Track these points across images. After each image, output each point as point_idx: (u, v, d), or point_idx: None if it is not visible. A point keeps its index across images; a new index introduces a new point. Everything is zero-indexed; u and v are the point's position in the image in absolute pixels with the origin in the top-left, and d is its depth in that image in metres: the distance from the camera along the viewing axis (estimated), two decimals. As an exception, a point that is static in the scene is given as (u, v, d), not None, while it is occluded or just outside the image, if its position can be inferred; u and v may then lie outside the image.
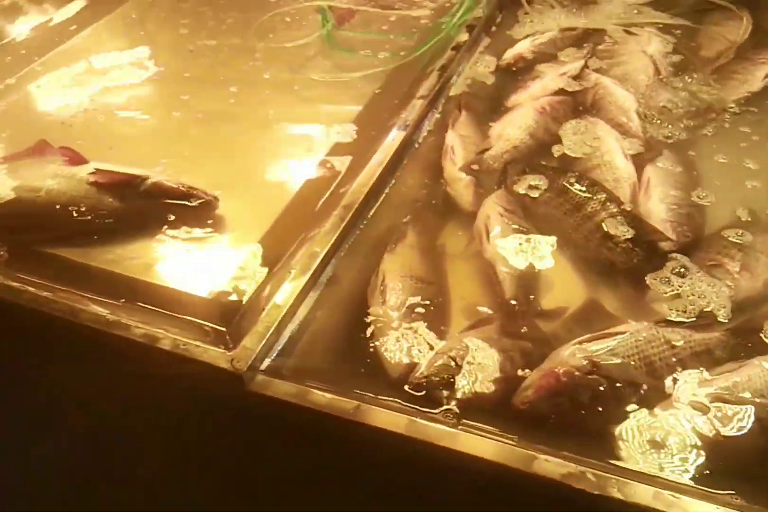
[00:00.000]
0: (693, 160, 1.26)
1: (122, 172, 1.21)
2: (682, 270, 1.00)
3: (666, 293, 0.99)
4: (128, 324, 0.92)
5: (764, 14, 1.64)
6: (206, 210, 1.19)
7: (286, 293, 0.96)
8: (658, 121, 1.37)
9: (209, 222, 1.18)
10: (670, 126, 1.35)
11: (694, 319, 0.97)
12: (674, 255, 1.04)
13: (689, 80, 1.47)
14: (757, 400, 0.84)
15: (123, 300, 0.99)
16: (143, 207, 1.19)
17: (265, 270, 1.04)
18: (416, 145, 1.34)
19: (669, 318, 0.96)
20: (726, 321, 0.95)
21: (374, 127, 1.40)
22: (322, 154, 1.35)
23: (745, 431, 0.82)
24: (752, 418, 0.83)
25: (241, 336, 0.91)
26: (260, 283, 1.00)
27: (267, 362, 0.90)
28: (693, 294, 0.97)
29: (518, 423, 0.86)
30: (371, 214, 1.17)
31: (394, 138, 1.28)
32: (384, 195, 1.21)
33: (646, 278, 1.01)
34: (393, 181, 1.24)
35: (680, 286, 0.98)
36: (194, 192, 1.21)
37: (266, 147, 1.40)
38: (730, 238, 1.07)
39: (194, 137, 1.41)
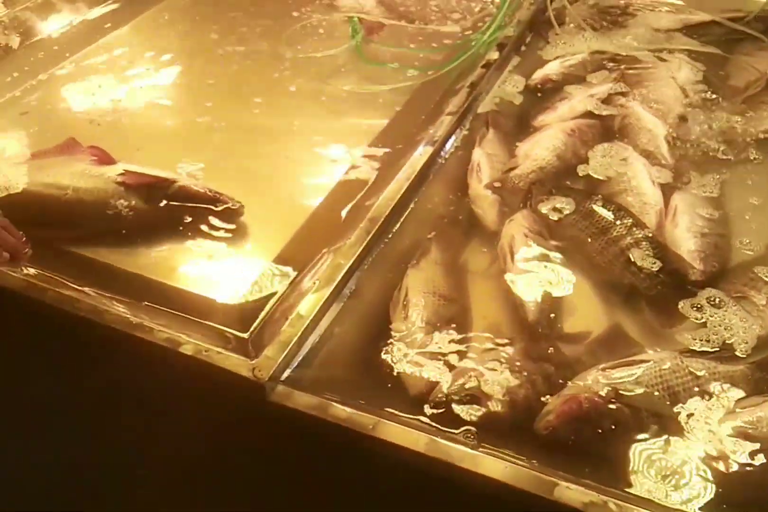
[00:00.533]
0: (720, 189, 1.25)
1: (151, 174, 1.21)
2: (718, 300, 0.99)
3: (695, 319, 0.98)
4: (151, 327, 0.92)
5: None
6: (232, 216, 1.19)
7: (309, 304, 0.95)
8: (687, 149, 1.37)
9: (234, 228, 1.18)
10: (698, 154, 1.35)
11: (716, 349, 0.96)
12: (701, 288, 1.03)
13: (718, 109, 1.47)
14: (780, 435, 0.83)
15: (146, 302, 0.98)
16: (170, 210, 1.19)
17: (288, 279, 1.03)
18: (442, 161, 1.34)
19: (692, 347, 0.95)
20: (744, 356, 0.94)
21: (401, 140, 1.40)
22: (348, 165, 1.36)
23: (763, 466, 0.81)
24: (773, 454, 0.82)
25: (262, 345, 0.90)
26: (283, 293, 1.00)
27: (288, 372, 0.90)
28: (720, 325, 0.96)
29: (539, 448, 0.85)
30: (396, 228, 1.17)
31: (421, 153, 1.28)
32: (409, 209, 1.21)
33: (679, 302, 1.01)
34: (418, 196, 1.24)
35: (711, 316, 0.97)
36: (221, 197, 1.21)
37: (292, 156, 1.40)
38: (759, 273, 1.06)
39: (220, 144, 1.42)
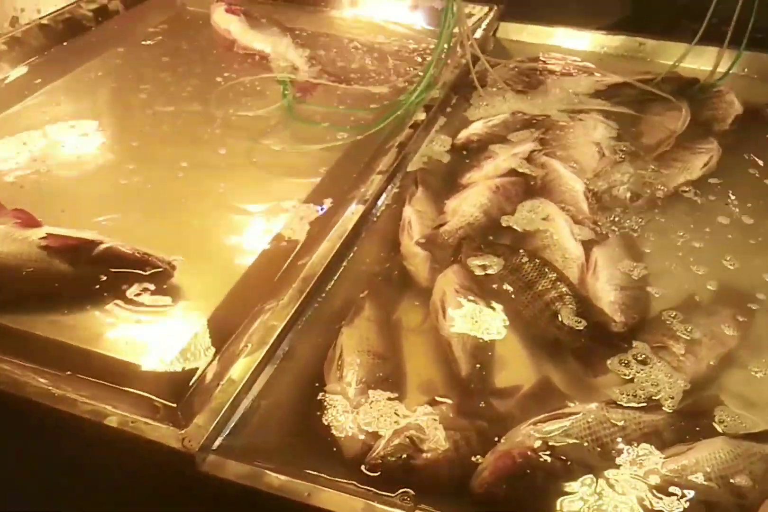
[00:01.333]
0: (637, 242, 1.33)
1: (75, 236, 1.19)
2: (644, 356, 1.04)
3: (624, 376, 1.01)
4: (75, 399, 0.88)
5: (701, 107, 1.77)
6: (161, 278, 1.18)
7: (241, 368, 0.94)
8: (605, 204, 1.44)
9: (164, 290, 1.16)
10: (615, 209, 1.43)
11: (643, 404, 0.99)
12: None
13: (633, 166, 1.57)
14: (705, 483, 0.86)
15: (69, 372, 0.95)
16: (95, 273, 1.16)
17: (220, 343, 1.02)
18: (374, 219, 1.37)
19: (619, 402, 0.98)
20: (670, 411, 0.98)
21: (333, 199, 1.42)
22: (280, 225, 1.37)
23: (692, 515, 0.83)
24: (700, 501, 0.84)
25: (193, 413, 0.88)
26: (214, 357, 0.98)
27: (219, 440, 0.88)
28: (647, 381, 1.00)
29: (476, 507, 0.85)
30: (329, 287, 1.18)
31: (353, 211, 1.31)
32: (342, 268, 1.22)
33: (608, 360, 1.04)
34: (351, 255, 1.26)
35: (638, 372, 1.01)
36: (149, 259, 1.19)
37: (223, 216, 1.41)
38: (674, 322, 1.12)
39: (149, 205, 1.41)
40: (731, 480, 0.87)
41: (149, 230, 1.32)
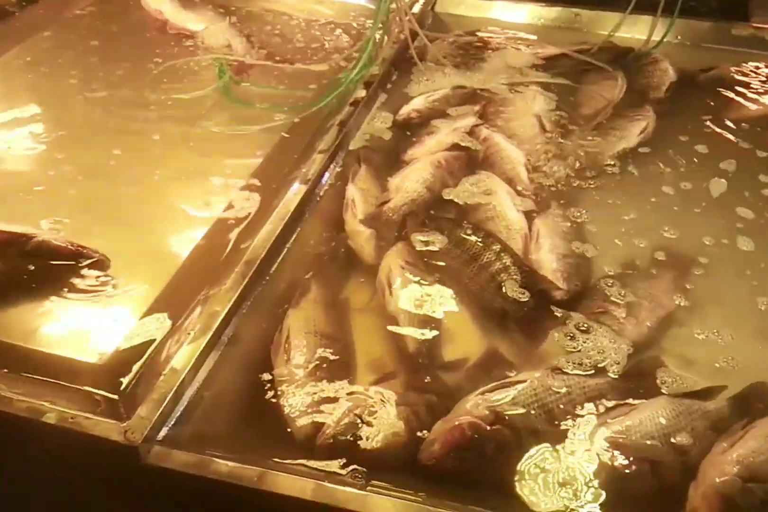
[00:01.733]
0: (578, 210, 1.34)
1: (6, 230, 1.14)
2: (586, 326, 1.05)
3: (572, 349, 1.02)
4: (10, 398, 0.85)
5: (637, 75, 1.80)
6: (97, 270, 1.14)
7: (184, 356, 0.92)
8: (545, 175, 1.45)
9: (100, 282, 1.13)
10: (556, 179, 1.44)
11: (590, 372, 1.00)
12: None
13: (572, 136, 1.59)
14: (649, 443, 0.88)
15: (5, 370, 0.91)
16: (29, 267, 1.12)
17: (162, 332, 0.99)
18: (317, 199, 1.35)
19: (565, 370, 0.99)
20: (615, 376, 0.99)
21: (274, 180, 1.39)
22: (221, 208, 1.33)
23: (638, 473, 0.85)
24: (645, 460, 0.87)
25: (135, 404, 0.86)
26: (156, 346, 0.95)
27: (165, 431, 0.86)
28: (593, 349, 1.01)
29: (427, 480, 0.86)
30: (273, 269, 1.16)
31: (295, 192, 1.29)
32: (286, 249, 1.21)
33: (552, 333, 1.05)
34: (295, 236, 1.24)
35: (584, 342, 1.02)
36: (84, 251, 1.15)
37: (161, 202, 1.37)
38: (615, 287, 1.14)
39: (82, 194, 1.36)
40: (674, 438, 0.89)
41: (82, 222, 1.27)
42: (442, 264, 1.22)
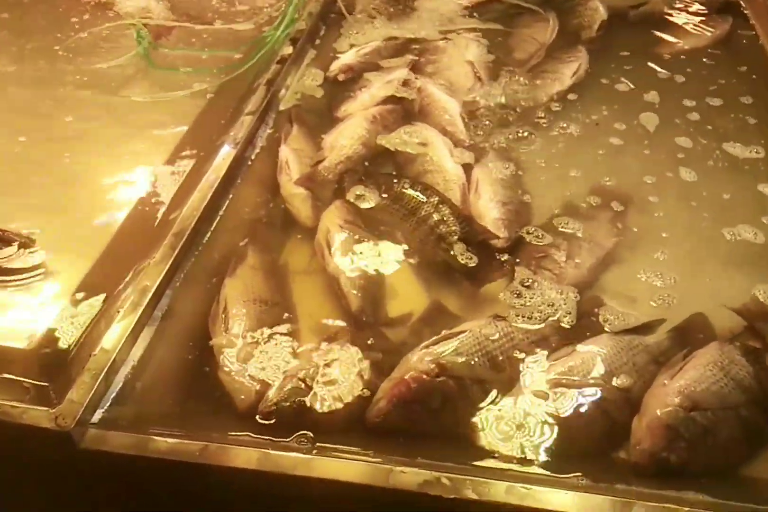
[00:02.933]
0: (516, 158, 1.32)
1: None
2: (530, 280, 1.03)
3: (521, 305, 1.00)
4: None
5: (569, 15, 1.76)
6: (21, 253, 1.08)
7: (114, 335, 0.88)
8: (482, 123, 1.42)
9: (26, 265, 1.07)
10: (492, 126, 1.41)
11: (540, 325, 0.99)
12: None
13: (506, 81, 1.55)
14: (592, 381, 0.89)
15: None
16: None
17: (91, 312, 0.95)
18: (249, 163, 1.30)
19: (518, 325, 0.98)
20: (569, 327, 0.98)
21: (202, 147, 1.34)
22: (148, 180, 1.28)
23: (584, 412, 0.86)
24: (589, 399, 0.87)
25: (66, 389, 0.82)
26: (86, 328, 0.92)
27: (100, 414, 0.83)
28: (542, 303, 1.00)
29: (375, 437, 0.85)
30: (206, 238, 1.12)
31: (224, 157, 1.24)
32: (219, 217, 1.16)
33: (501, 293, 1.03)
34: (227, 202, 1.19)
35: (531, 298, 1.01)
36: (5, 234, 1.09)
37: (85, 177, 1.30)
38: (559, 228, 1.13)
39: (5, 169, 1.28)
40: (616, 375, 0.90)
41: (4, 201, 1.20)
42: (381, 219, 1.19)
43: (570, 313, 1.00)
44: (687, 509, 0.70)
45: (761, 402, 0.87)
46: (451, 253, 1.10)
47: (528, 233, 1.14)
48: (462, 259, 1.09)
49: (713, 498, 0.75)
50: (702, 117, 1.42)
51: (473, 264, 1.09)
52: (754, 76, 1.54)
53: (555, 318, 0.99)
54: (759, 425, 0.85)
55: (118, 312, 0.92)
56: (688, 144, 1.35)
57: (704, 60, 1.60)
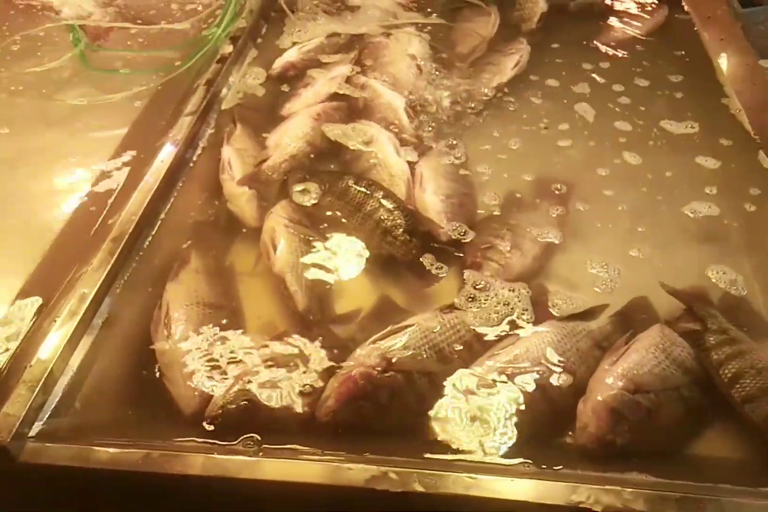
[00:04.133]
0: (460, 151, 1.33)
1: None
2: (483, 283, 1.02)
3: (476, 309, 0.99)
4: None
5: (510, 8, 1.77)
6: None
7: (51, 345, 0.86)
8: (426, 117, 1.43)
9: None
10: (436, 121, 1.41)
11: (504, 333, 0.97)
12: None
13: (449, 75, 1.56)
14: (537, 368, 0.89)
15: None
16: None
17: (27, 322, 0.92)
18: (191, 164, 1.28)
19: (476, 328, 0.97)
20: (530, 325, 0.98)
21: (142, 149, 1.31)
22: (87, 184, 1.25)
23: (530, 399, 0.87)
24: (535, 386, 0.88)
25: (2, 403, 0.79)
26: (21, 338, 0.89)
27: (39, 426, 0.80)
28: (498, 304, 1.00)
29: (325, 436, 0.84)
30: (147, 243, 1.09)
31: (163, 159, 1.21)
32: (160, 221, 1.14)
33: (455, 299, 1.01)
34: (169, 205, 1.17)
35: (485, 300, 1.00)
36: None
37: (21, 185, 1.26)
38: (499, 221, 1.14)
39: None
40: (560, 361, 0.91)
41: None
42: (327, 216, 1.18)
43: (527, 310, 1.00)
44: (630, 490, 0.71)
45: (702, 383, 0.89)
46: (397, 246, 1.10)
47: (473, 224, 1.14)
48: (408, 253, 1.08)
49: (656, 477, 0.76)
50: (633, 100, 1.44)
51: (420, 259, 1.09)
52: (687, 59, 1.57)
53: (513, 317, 0.99)
54: (701, 405, 0.87)
55: (55, 321, 0.89)
56: (627, 127, 1.37)
57: (638, 47, 1.63)
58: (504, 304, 1.00)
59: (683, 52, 1.59)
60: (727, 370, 0.88)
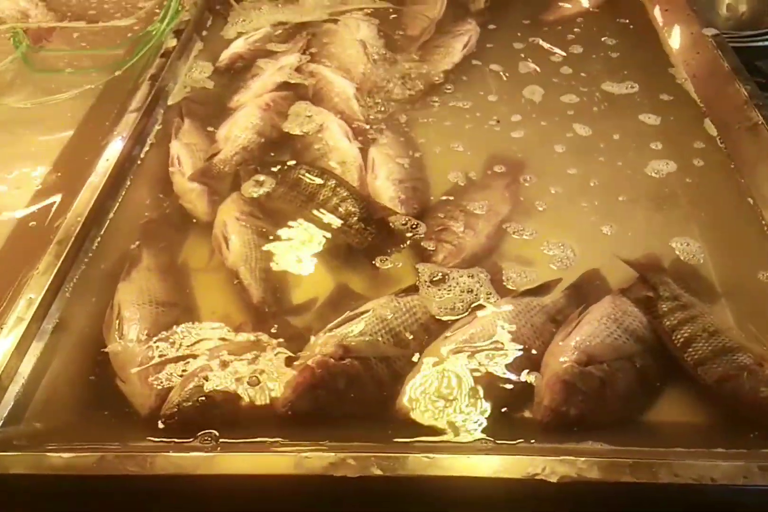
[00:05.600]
0: (412, 135, 1.32)
1: None
2: (440, 274, 1.01)
3: (439, 298, 0.98)
4: None
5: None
6: None
7: (-1, 352, 0.84)
8: (377, 102, 1.41)
9: None
10: (386, 105, 1.41)
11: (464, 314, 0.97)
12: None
13: (399, 60, 1.55)
14: (493, 346, 0.90)
15: None
16: None
17: (-27, 332, 0.90)
18: (139, 161, 1.26)
19: (442, 318, 0.96)
20: (493, 306, 0.97)
21: (89, 149, 1.28)
22: (34, 187, 1.22)
23: (487, 377, 0.87)
24: (492, 363, 0.88)
25: (-51, 414, 0.78)
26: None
27: (-11, 436, 0.79)
28: (462, 292, 0.99)
29: (285, 427, 0.84)
30: (96, 244, 1.07)
31: (108, 158, 1.19)
32: (109, 220, 1.12)
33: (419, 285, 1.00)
34: (117, 204, 1.15)
35: (449, 290, 0.99)
36: None
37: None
38: (451, 203, 1.13)
39: None
40: (516, 337, 0.91)
41: None
42: (280, 207, 1.17)
43: (491, 293, 0.99)
44: (584, 459, 0.71)
45: (655, 350, 0.90)
46: (352, 234, 1.09)
47: (427, 207, 1.14)
48: (364, 240, 1.08)
49: (611, 445, 0.77)
50: (574, 69, 1.46)
51: (375, 244, 1.08)
52: (632, 26, 1.58)
53: (479, 302, 0.98)
54: (653, 372, 0.88)
55: (1, 328, 0.87)
56: (574, 99, 1.37)
57: (584, 19, 1.63)
58: (468, 292, 1.00)
59: (628, 21, 1.60)
60: (680, 335, 0.89)
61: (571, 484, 0.69)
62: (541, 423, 0.82)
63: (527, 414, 0.85)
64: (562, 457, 0.71)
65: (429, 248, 1.07)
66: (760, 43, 1.54)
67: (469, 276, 1.02)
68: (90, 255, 1.05)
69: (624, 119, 1.31)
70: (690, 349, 0.88)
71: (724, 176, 1.18)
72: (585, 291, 0.99)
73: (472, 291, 1.00)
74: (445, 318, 0.97)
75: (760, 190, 1.11)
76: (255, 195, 1.19)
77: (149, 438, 0.80)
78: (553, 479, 0.69)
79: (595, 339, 0.88)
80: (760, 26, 1.56)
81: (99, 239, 1.08)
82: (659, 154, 1.22)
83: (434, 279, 1.01)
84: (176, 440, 0.80)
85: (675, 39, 1.51)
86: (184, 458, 0.75)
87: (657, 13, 1.60)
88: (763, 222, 1.07)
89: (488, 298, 0.99)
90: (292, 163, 1.25)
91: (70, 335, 0.94)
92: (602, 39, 1.58)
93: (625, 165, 1.23)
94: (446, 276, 1.01)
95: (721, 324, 0.91)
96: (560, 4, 1.72)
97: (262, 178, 1.22)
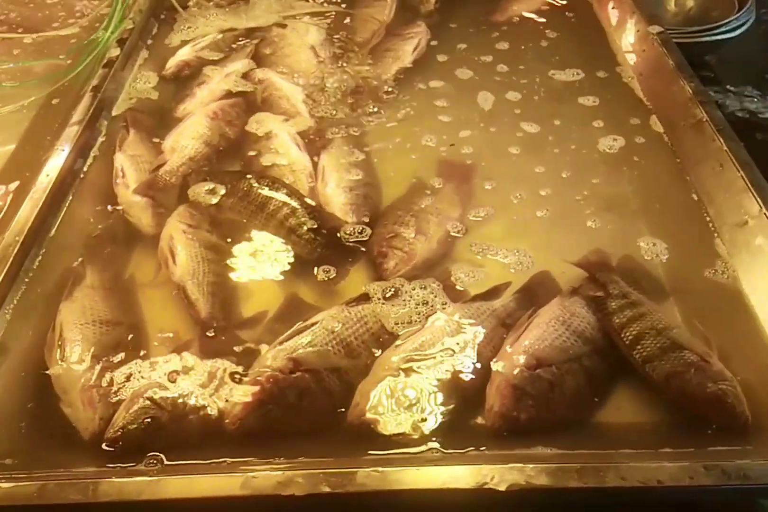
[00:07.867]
0: (362, 141, 1.31)
1: None
2: (393, 289, 0.99)
3: (395, 313, 0.97)
4: None
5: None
6: None
7: (-68, 383, 0.81)
8: (326, 108, 1.40)
9: None
10: (337, 111, 1.39)
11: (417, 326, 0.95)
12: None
13: (349, 64, 1.53)
14: (443, 353, 0.89)
15: None
16: None
17: None
18: (81, 175, 1.23)
19: (399, 332, 0.94)
20: (454, 317, 0.95)
21: (30, 164, 1.25)
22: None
23: (438, 385, 0.86)
24: (442, 371, 0.87)
25: None
26: None
27: (-75, 469, 0.75)
28: (418, 305, 0.97)
29: (235, 445, 0.82)
30: (37, 263, 1.04)
31: (49, 173, 1.15)
32: (50, 238, 1.08)
33: (377, 307, 0.98)
34: (59, 220, 1.12)
35: (404, 304, 0.97)
36: None
37: None
38: (402, 209, 1.12)
39: None
40: (465, 342, 0.90)
41: None
42: (229, 219, 1.15)
43: (446, 303, 0.98)
44: (532, 466, 0.71)
45: (603, 351, 0.90)
46: (302, 244, 1.08)
47: (378, 215, 1.13)
48: (314, 250, 1.06)
49: (560, 449, 0.77)
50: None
51: (326, 254, 1.07)
52: (579, 25, 1.60)
53: (436, 314, 0.96)
54: (603, 373, 0.88)
55: (-66, 356, 0.84)
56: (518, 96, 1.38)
57: (534, 18, 1.64)
58: (423, 304, 0.98)
59: (575, 19, 1.62)
60: (629, 333, 0.90)
61: (520, 492, 0.69)
62: (492, 428, 0.81)
63: (479, 420, 0.84)
64: (510, 465, 0.71)
65: (380, 256, 1.05)
66: (708, 39, 1.57)
67: (422, 288, 1.00)
68: (31, 274, 1.02)
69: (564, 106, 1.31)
70: (638, 347, 0.88)
71: (671, 173, 1.19)
72: (535, 294, 0.99)
73: (427, 303, 0.98)
74: (403, 332, 0.95)
75: (705, 186, 1.12)
76: (204, 206, 1.17)
77: (94, 463, 0.78)
78: (502, 487, 0.69)
79: (544, 343, 0.88)
80: (708, 21, 1.58)
81: (40, 258, 1.05)
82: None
83: (387, 295, 0.99)
84: (121, 465, 0.78)
85: (621, 37, 1.52)
86: (127, 483, 0.73)
87: (605, 10, 1.61)
88: (708, 219, 1.08)
89: (444, 308, 0.97)
90: (241, 172, 1.23)
91: (11, 359, 0.91)
92: (549, 37, 1.58)
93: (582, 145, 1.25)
94: (399, 291, 1.00)
95: (669, 322, 0.92)
96: (509, 4, 1.73)
97: (211, 188, 1.20)
